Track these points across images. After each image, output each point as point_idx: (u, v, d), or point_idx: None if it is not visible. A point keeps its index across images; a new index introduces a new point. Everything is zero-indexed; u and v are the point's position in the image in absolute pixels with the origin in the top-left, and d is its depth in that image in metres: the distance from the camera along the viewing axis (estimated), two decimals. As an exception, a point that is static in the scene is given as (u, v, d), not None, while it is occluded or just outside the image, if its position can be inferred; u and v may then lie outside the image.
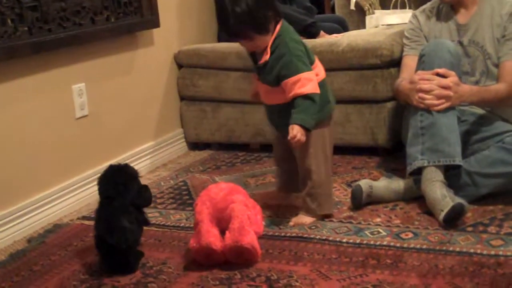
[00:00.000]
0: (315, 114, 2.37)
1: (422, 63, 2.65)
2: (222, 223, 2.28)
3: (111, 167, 2.32)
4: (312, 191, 2.51)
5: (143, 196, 2.32)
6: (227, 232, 2.22)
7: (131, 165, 2.40)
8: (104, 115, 3.11)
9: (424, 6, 2.98)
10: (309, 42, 3.32)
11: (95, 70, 3.04)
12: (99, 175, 2.30)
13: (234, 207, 2.27)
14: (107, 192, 2.24)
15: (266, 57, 2.41)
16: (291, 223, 2.51)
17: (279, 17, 2.42)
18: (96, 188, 2.28)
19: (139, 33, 3.32)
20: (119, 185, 2.23)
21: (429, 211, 2.47)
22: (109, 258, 2.23)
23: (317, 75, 2.43)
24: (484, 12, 2.79)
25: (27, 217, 2.67)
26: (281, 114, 2.46)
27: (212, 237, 2.20)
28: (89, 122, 3.01)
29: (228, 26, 2.38)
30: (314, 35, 3.46)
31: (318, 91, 2.37)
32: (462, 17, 2.83)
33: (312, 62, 2.44)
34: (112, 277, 2.20)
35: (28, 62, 2.66)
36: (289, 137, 2.33)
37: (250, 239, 2.18)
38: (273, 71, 2.41)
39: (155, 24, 3.36)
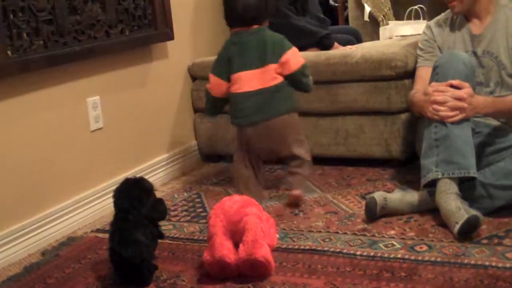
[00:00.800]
0: (207, 105, 3.02)
1: (436, 75, 2.64)
2: (236, 236, 2.28)
3: (127, 180, 2.33)
4: None
5: (158, 209, 2.33)
6: (240, 245, 2.21)
7: (146, 177, 2.41)
8: (119, 128, 3.12)
9: (437, 17, 2.97)
10: (323, 53, 3.34)
11: (109, 83, 3.06)
12: (114, 188, 2.31)
13: (247, 219, 2.27)
14: (122, 206, 2.25)
15: None
16: None
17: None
18: (110, 200, 2.29)
19: (154, 46, 3.33)
20: (134, 198, 2.24)
21: (443, 224, 2.45)
22: (122, 272, 2.23)
23: (229, 86, 2.84)
24: (498, 22, 2.78)
25: (41, 230, 2.69)
26: None
27: (225, 250, 2.19)
28: (103, 135, 3.03)
29: None
30: (328, 46, 3.47)
31: (211, 91, 2.92)
32: (476, 27, 2.82)
33: (231, 73, 2.82)
34: (126, 290, 2.21)
35: (43, 75, 2.68)
36: None
37: (263, 252, 2.18)
38: None
39: (169, 36, 3.38)
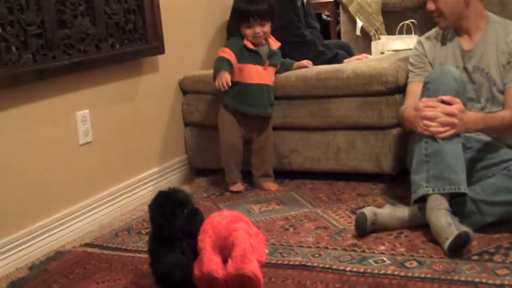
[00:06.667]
0: None
1: (427, 90, 2.64)
2: (225, 252, 2.27)
3: (159, 193, 2.29)
4: None
5: (193, 221, 2.27)
6: (229, 260, 2.19)
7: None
8: (108, 142, 3.10)
9: (429, 33, 2.97)
10: (314, 68, 3.34)
11: (99, 96, 3.04)
12: (149, 202, 2.28)
13: (236, 235, 2.25)
14: (156, 221, 2.22)
15: None
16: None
17: None
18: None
19: (144, 60, 3.32)
20: (167, 213, 2.20)
21: (434, 239, 2.44)
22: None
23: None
24: (489, 38, 2.78)
25: (29, 244, 2.66)
26: None
27: (214, 265, 2.18)
28: (93, 149, 3.01)
29: None
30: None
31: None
32: (466, 43, 2.83)
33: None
34: (113, 306, 2.19)
35: (32, 89, 2.67)
36: None
37: (252, 267, 2.16)
38: None
39: (160, 50, 3.37)
